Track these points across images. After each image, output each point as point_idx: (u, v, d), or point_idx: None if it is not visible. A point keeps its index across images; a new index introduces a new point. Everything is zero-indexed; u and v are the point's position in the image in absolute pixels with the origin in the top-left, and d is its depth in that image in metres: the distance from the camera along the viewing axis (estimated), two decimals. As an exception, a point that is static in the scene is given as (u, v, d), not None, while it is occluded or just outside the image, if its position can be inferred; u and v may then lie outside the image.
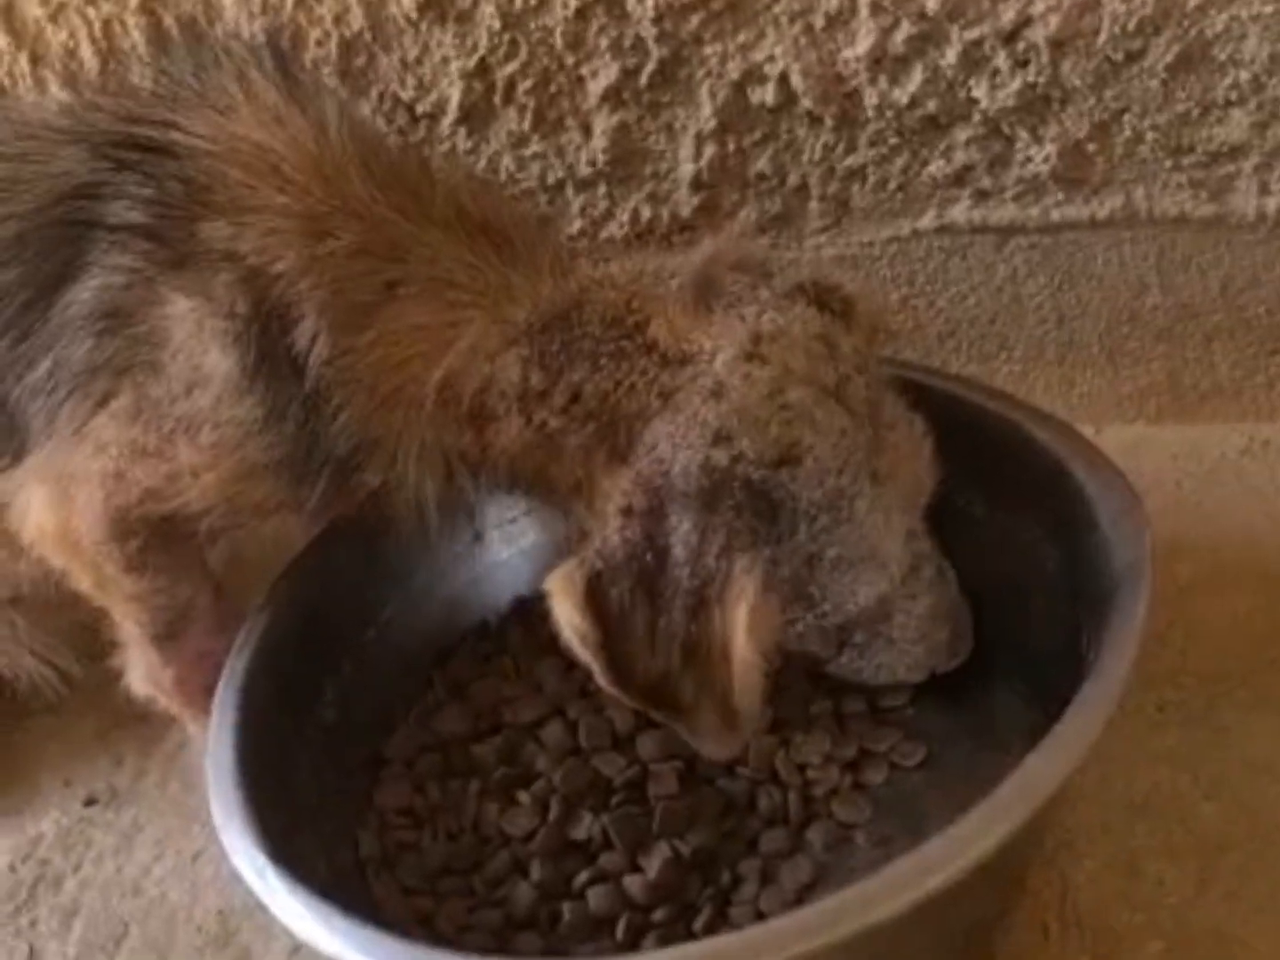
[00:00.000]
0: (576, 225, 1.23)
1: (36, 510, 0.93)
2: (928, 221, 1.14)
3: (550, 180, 1.20)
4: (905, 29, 1.04)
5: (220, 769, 0.84)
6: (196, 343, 0.86)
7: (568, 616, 0.80)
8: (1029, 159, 1.08)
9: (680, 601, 0.80)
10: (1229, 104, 1.01)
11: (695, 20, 1.07)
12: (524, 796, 0.94)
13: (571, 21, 1.09)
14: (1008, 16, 1.00)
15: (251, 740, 0.86)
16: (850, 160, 1.12)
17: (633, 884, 0.88)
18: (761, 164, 1.14)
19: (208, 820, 0.98)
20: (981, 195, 1.11)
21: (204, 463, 0.87)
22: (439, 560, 1.06)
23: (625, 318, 0.86)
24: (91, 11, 1.18)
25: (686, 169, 1.15)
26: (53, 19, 1.19)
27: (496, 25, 1.11)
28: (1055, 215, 1.12)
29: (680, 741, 0.91)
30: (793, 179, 1.14)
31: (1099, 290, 1.16)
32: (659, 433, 0.82)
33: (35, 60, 1.23)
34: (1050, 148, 1.07)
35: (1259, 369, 1.17)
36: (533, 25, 1.10)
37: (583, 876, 0.89)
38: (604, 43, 1.10)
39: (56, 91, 1.17)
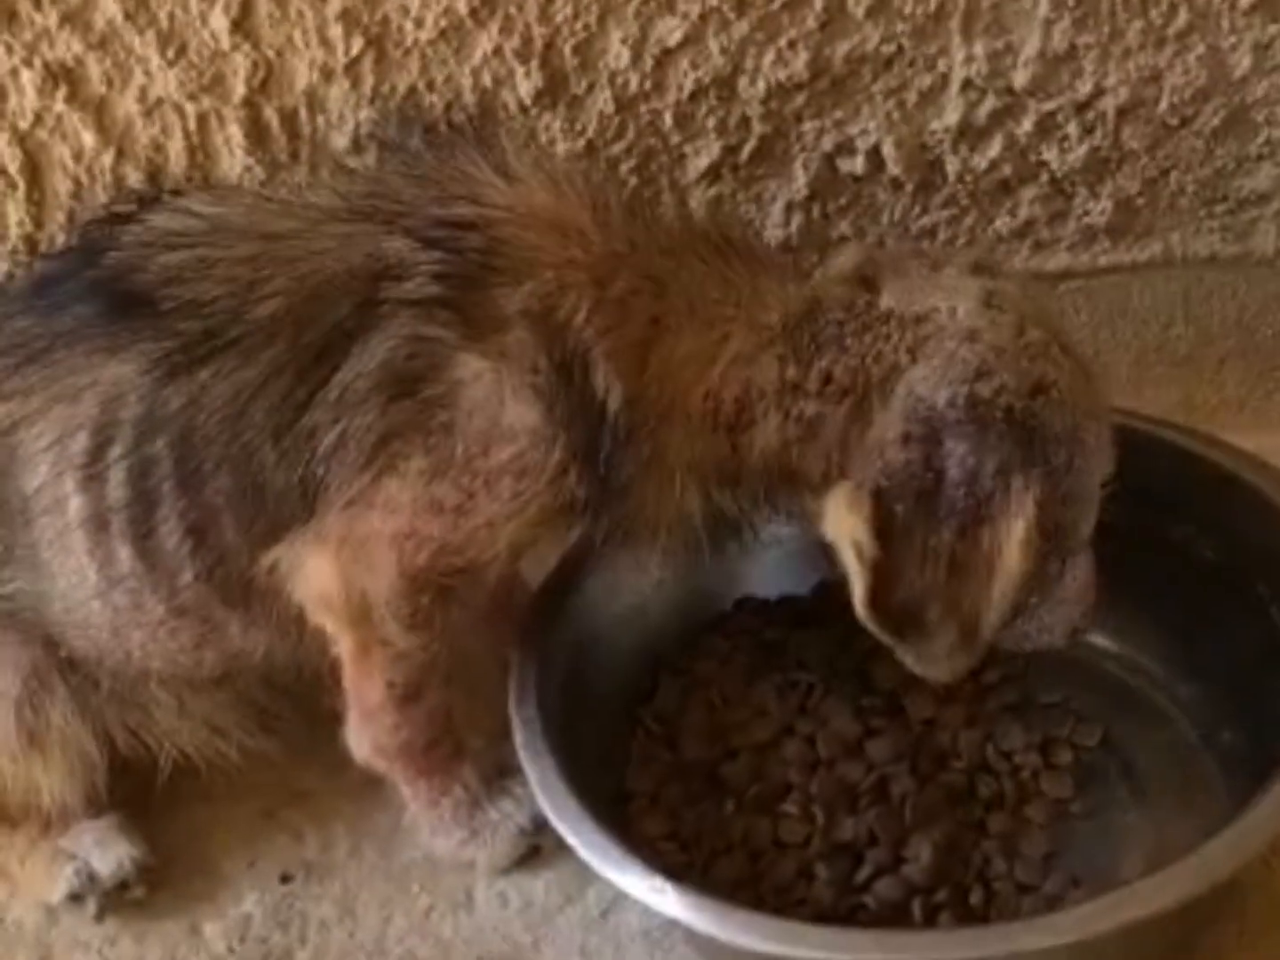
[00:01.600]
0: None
1: (322, 577, 1.10)
2: None
3: (636, 251, 1.44)
4: (990, 103, 1.34)
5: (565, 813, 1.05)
6: (495, 400, 1.06)
7: (852, 529, 1.02)
8: (1086, 212, 1.41)
9: (954, 519, 1.02)
10: (1260, 158, 1.36)
11: (800, 98, 1.35)
12: (789, 807, 1.16)
13: (684, 104, 1.35)
14: (1084, 90, 1.32)
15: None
16: (924, 220, 1.42)
17: (913, 872, 1.11)
18: (844, 226, 1.43)
19: (428, 878, 1.18)
20: (1039, 246, 1.43)
21: (507, 512, 1.07)
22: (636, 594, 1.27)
23: (857, 299, 1.09)
24: (190, 107, 1.36)
25: (774, 234, 1.43)
26: (146, 114, 1.37)
27: (609, 109, 1.36)
28: (1102, 261, 1.45)
29: (905, 741, 1.16)
30: (869, 239, 1.42)
31: (1132, 325, 1.49)
32: (915, 378, 1.05)
33: (119, 156, 1.39)
34: (1106, 202, 1.40)
35: (1265, 385, 1.52)
36: (644, 109, 1.36)
37: (865, 872, 1.12)
38: (711, 123, 1.37)
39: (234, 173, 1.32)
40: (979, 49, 1.34)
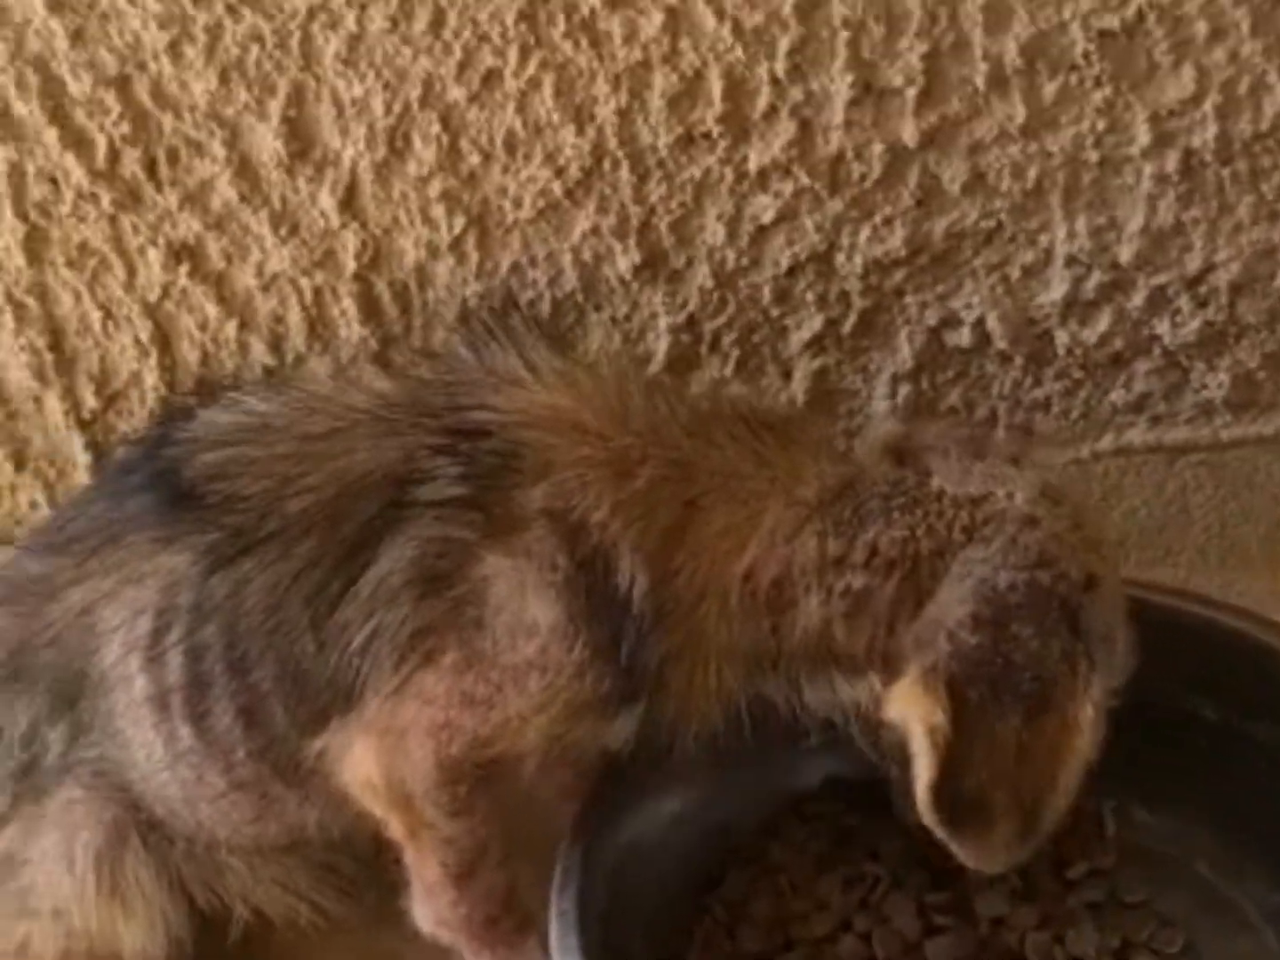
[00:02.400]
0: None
1: (365, 765, 1.20)
2: (1106, 444, 1.49)
3: (745, 420, 1.52)
4: (1096, 278, 1.39)
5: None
6: (520, 598, 1.15)
7: (928, 713, 1.05)
8: (1204, 386, 1.44)
9: (1020, 705, 1.06)
10: (1377, 325, 1.38)
11: (900, 275, 1.42)
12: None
13: (781, 279, 1.43)
14: (1193, 265, 1.37)
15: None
16: (1036, 393, 1.48)
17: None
18: (953, 398, 1.49)
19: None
20: (1156, 420, 1.47)
21: (534, 707, 1.16)
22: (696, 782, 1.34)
23: (905, 476, 1.16)
24: (305, 281, 1.50)
25: (881, 405, 1.50)
26: (264, 289, 1.51)
27: (709, 284, 1.45)
28: (1224, 435, 1.48)
29: (970, 942, 1.20)
30: (981, 411, 1.50)
31: (1260, 498, 1.51)
32: (973, 559, 1.10)
33: (242, 327, 1.53)
34: (1224, 376, 1.43)
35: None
36: (742, 283, 1.45)
37: None
38: (810, 297, 1.45)
39: (316, 366, 1.46)
40: (1081, 225, 1.40)
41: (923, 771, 1.07)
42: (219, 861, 1.36)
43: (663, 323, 1.51)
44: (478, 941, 1.31)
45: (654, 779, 1.30)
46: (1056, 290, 1.44)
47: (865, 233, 1.43)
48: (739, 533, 1.15)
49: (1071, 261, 1.43)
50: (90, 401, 1.62)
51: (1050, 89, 1.35)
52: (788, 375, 1.52)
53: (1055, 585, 1.09)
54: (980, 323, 1.47)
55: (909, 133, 1.37)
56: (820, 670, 1.18)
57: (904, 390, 1.51)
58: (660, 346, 1.52)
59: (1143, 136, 1.36)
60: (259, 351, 1.58)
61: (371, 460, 1.19)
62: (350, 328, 1.55)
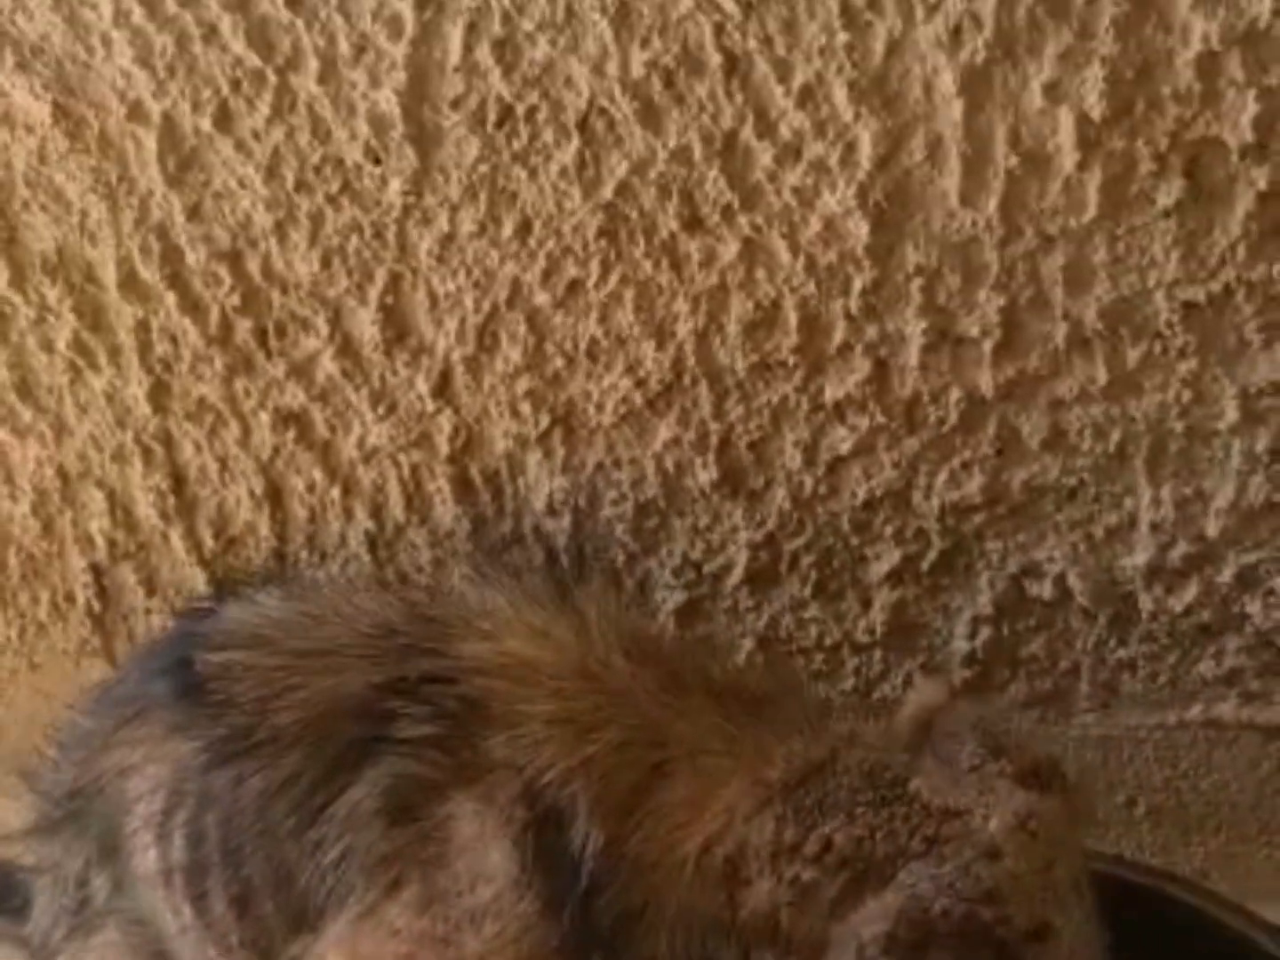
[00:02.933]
0: (850, 683, 1.58)
1: None
2: (1195, 714, 1.47)
3: (827, 642, 1.57)
4: (1182, 547, 1.37)
5: None
6: (480, 843, 1.20)
7: None
8: (1301, 671, 1.40)
9: None
10: None
11: (978, 519, 1.43)
12: None
13: (859, 510, 1.46)
14: (1287, 552, 1.34)
15: None
16: (1121, 653, 1.46)
17: None
18: (1034, 647, 1.49)
19: None
20: (1249, 696, 1.44)
21: (488, 951, 1.20)
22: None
23: (883, 771, 1.15)
24: (402, 458, 1.60)
25: (960, 645, 1.50)
26: (365, 460, 1.61)
27: (786, 506, 1.48)
28: (1327, 722, 1.43)
29: None
30: (1064, 664, 1.49)
31: (1367, 790, 1.46)
32: (920, 874, 1.08)
33: (346, 493, 1.63)
34: (1322, 664, 1.39)
35: None
36: (820, 510, 1.48)
37: None
38: (888, 530, 1.47)
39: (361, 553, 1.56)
40: (1166, 493, 1.39)
41: None
42: None
43: (743, 537, 1.55)
44: None
45: None
46: (1140, 555, 1.43)
47: (943, 475, 1.45)
48: (699, 806, 1.17)
49: (1156, 529, 1.42)
50: (209, 543, 1.76)
51: (1133, 355, 1.35)
52: (867, 604, 1.55)
53: (995, 926, 1.05)
54: (1061, 578, 1.46)
55: (986, 383, 1.39)
56: (771, 949, 1.19)
57: (984, 633, 1.51)
58: (740, 559, 1.56)
59: (1231, 412, 1.35)
60: (361, 517, 1.68)
61: (353, 685, 1.27)
62: (445, 505, 1.63)
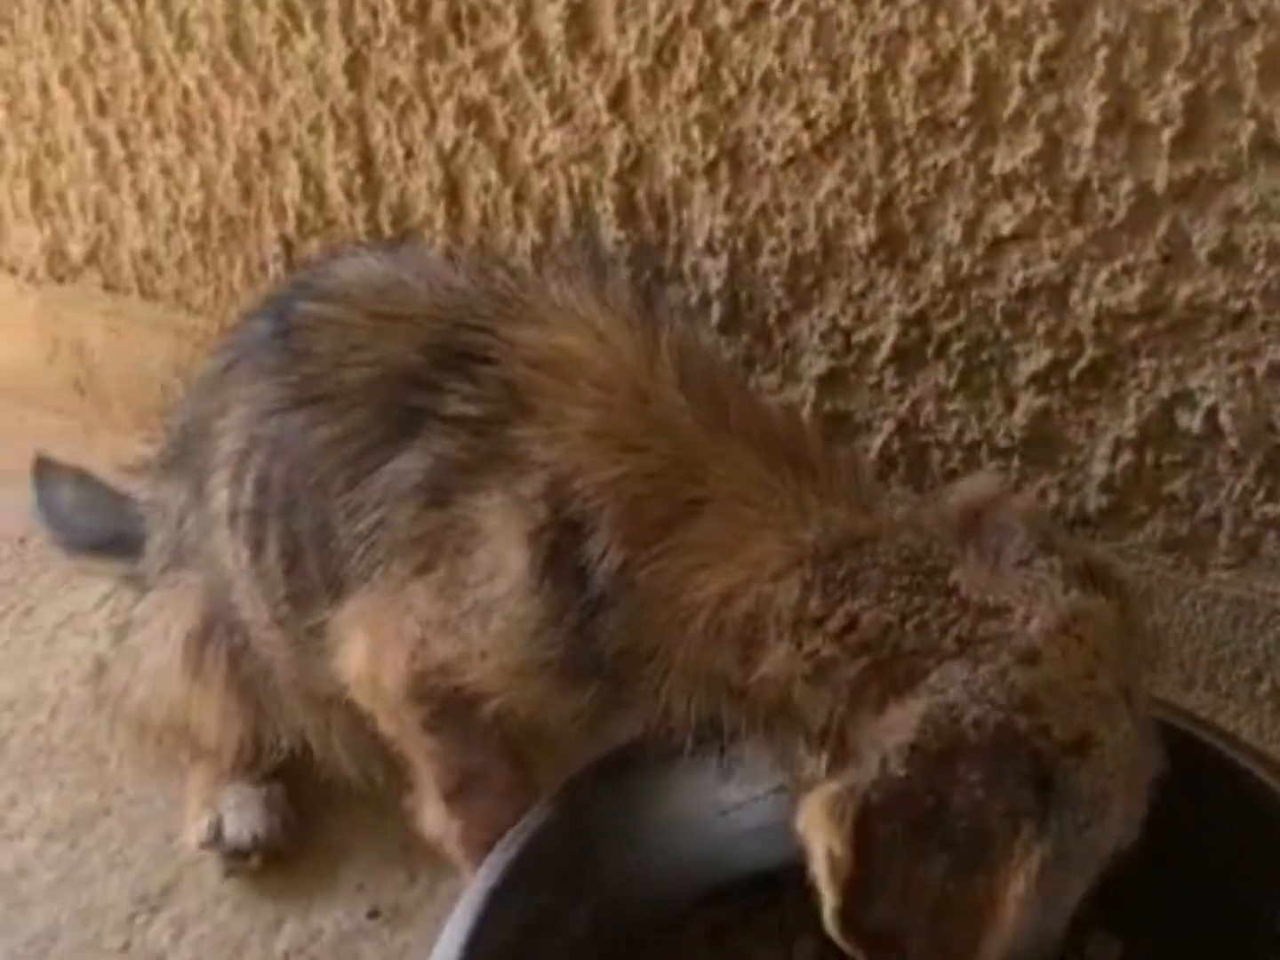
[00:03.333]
0: (981, 490, 1.52)
1: (354, 657, 1.33)
2: None
3: (966, 439, 1.52)
4: (1350, 401, 1.28)
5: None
6: (502, 536, 1.22)
7: (827, 843, 1.00)
8: None
9: (948, 854, 0.99)
10: None
11: (1135, 331, 1.36)
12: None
13: (1014, 300, 1.40)
14: None
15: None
16: (1268, 508, 1.38)
17: None
18: (1176, 485, 1.42)
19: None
20: (1406, 584, 1.33)
21: (490, 648, 1.23)
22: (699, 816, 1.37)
23: (924, 558, 1.10)
24: (574, 169, 1.61)
25: (1100, 467, 1.44)
26: (539, 166, 1.61)
27: (941, 283, 1.44)
28: None
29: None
30: (1205, 509, 1.42)
31: None
32: (953, 677, 1.03)
33: (518, 198, 1.64)
34: None
35: None
36: (975, 293, 1.43)
37: None
38: (1041, 328, 1.42)
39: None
40: (1341, 333, 1.29)
41: (825, 895, 1.01)
42: (276, 688, 1.51)
43: (894, 310, 1.51)
44: (474, 860, 1.39)
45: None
46: (1302, 400, 1.34)
47: (1104, 275, 1.38)
48: (726, 552, 1.14)
49: (1322, 374, 1.32)
50: (388, 229, 1.78)
51: (1323, 170, 1.25)
52: (1011, 404, 1.50)
53: (1030, 736, 1.00)
54: (1214, 412, 1.39)
55: (1161, 177, 1.32)
56: (778, 722, 1.15)
57: (1126, 458, 1.45)
58: (889, 333, 1.54)
59: None
60: (530, 227, 1.69)
61: (415, 355, 1.29)
62: (609, 228, 1.62)
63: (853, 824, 0.98)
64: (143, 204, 2.08)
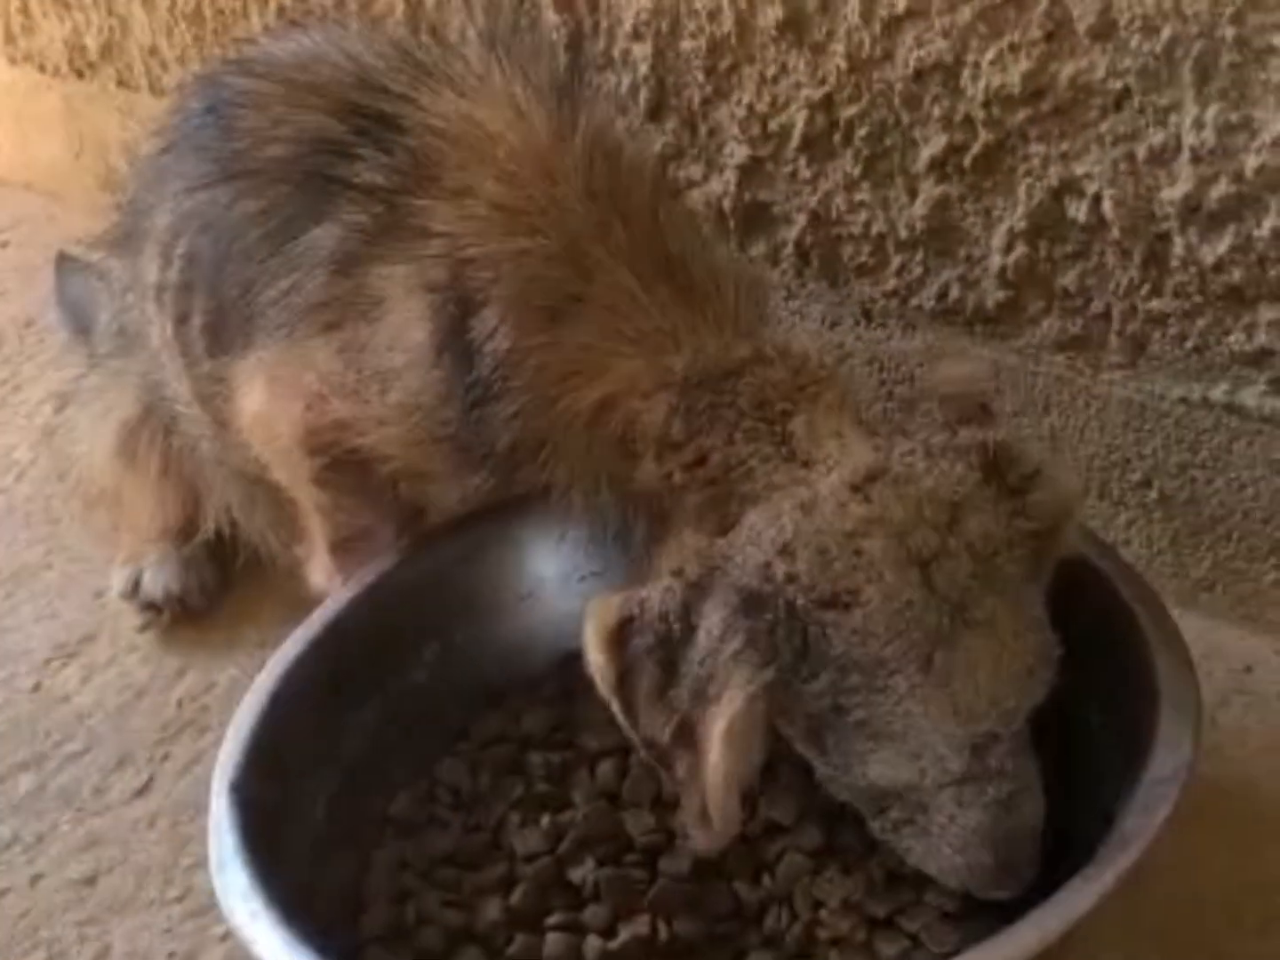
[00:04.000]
0: (891, 284, 1.53)
1: (251, 399, 1.36)
2: (1219, 394, 1.36)
3: (873, 231, 1.51)
4: (1222, 186, 1.26)
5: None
6: (404, 306, 1.23)
7: (590, 647, 1.04)
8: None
9: (688, 684, 1.01)
10: None
11: (1023, 114, 1.36)
12: (545, 821, 1.24)
13: (910, 82, 1.39)
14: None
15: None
16: (1154, 304, 1.36)
17: (591, 948, 1.15)
18: (1068, 279, 1.40)
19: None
20: (1278, 384, 1.30)
21: (387, 417, 1.25)
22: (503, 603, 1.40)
23: (775, 401, 1.11)
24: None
25: (996, 260, 1.43)
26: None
27: (844, 65, 1.43)
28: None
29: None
30: (1096, 305, 1.40)
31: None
32: (749, 521, 1.06)
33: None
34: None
35: None
36: (875, 76, 1.43)
37: (553, 919, 1.18)
38: (937, 111, 1.42)
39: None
40: (1211, 115, 1.27)
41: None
42: (206, 469, 1.55)
43: (803, 95, 1.51)
44: None
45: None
46: (1179, 188, 1.32)
47: (990, 53, 1.37)
48: (599, 361, 1.16)
49: (1197, 158, 1.29)
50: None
51: (1192, -64, 1.22)
52: (913, 193, 1.49)
53: (786, 583, 1.00)
54: (1098, 199, 1.36)
55: (1040, -55, 1.28)
56: (652, 524, 1.18)
57: (1020, 249, 1.43)
58: (799, 119, 1.52)
59: (1290, 25, 1.20)
60: (478, 14, 1.68)
61: (332, 123, 1.30)
62: (548, 13, 1.63)
63: (610, 630, 1.02)
64: (145, -5, 2.13)
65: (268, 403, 1.35)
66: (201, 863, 1.35)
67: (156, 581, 1.67)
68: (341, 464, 1.34)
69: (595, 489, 1.20)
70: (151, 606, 1.68)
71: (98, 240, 1.71)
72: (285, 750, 1.24)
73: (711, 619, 1.00)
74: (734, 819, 1.04)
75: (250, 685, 1.27)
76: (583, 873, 1.21)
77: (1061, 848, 1.08)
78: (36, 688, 1.65)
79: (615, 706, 1.03)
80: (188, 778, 1.51)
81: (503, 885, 1.22)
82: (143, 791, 1.51)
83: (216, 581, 1.71)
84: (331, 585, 1.45)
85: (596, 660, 1.03)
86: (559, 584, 1.42)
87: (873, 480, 1.02)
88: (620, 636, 1.02)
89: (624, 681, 1.02)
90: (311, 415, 1.31)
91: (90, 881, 1.43)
